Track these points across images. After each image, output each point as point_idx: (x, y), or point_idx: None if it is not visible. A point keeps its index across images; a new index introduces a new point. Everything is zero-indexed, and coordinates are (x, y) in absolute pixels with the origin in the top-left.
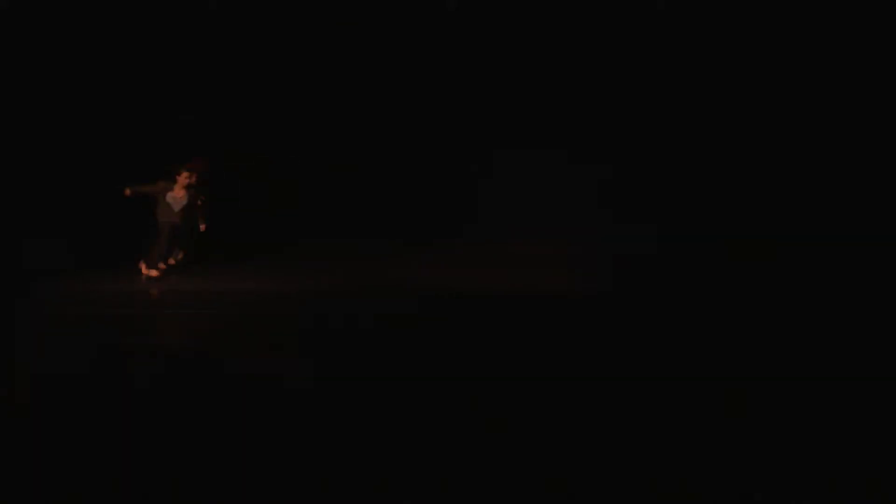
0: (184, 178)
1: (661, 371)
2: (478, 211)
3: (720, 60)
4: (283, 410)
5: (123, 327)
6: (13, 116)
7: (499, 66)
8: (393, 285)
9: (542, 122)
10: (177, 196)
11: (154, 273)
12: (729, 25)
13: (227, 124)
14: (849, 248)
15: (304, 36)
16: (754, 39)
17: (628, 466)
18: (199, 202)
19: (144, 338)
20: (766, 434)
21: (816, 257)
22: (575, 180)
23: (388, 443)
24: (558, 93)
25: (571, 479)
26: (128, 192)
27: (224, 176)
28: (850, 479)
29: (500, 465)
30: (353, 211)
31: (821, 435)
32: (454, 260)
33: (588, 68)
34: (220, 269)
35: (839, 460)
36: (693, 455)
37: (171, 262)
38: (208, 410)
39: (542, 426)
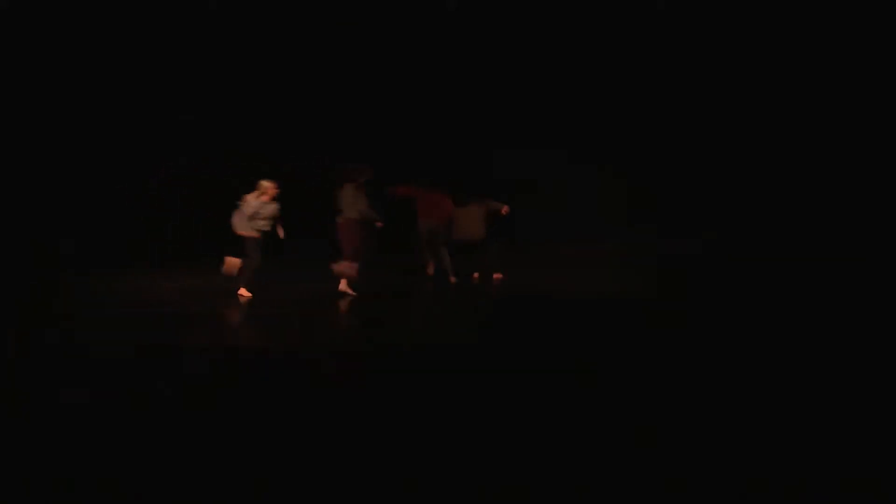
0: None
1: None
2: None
3: (740, 62)
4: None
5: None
6: (31, 118)
7: (503, 67)
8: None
9: (559, 125)
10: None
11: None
12: (739, 26)
13: (227, 124)
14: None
15: (304, 36)
16: (769, 39)
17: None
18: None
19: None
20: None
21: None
22: (603, 183)
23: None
24: (582, 96)
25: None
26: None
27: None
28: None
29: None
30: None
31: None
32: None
33: (616, 73)
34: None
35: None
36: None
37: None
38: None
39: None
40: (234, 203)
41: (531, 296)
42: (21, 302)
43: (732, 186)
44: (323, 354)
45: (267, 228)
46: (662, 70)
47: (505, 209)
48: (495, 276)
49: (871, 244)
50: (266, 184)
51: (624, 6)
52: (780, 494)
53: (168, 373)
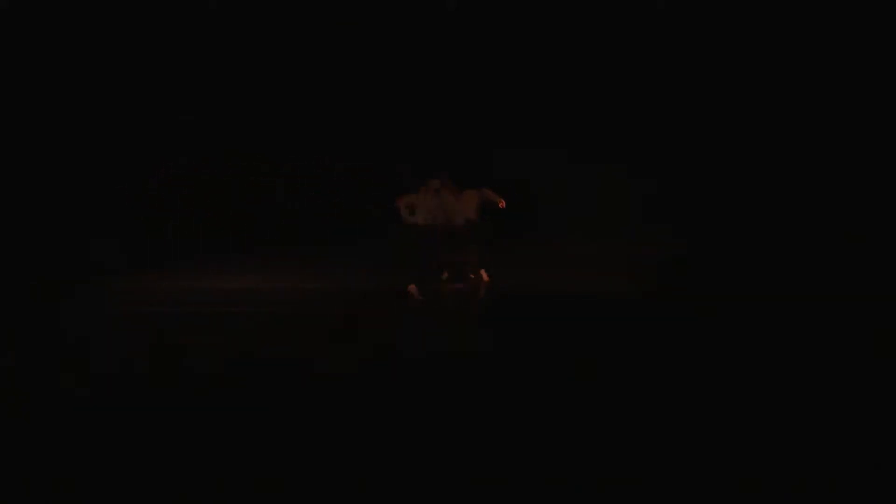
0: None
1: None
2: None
3: (740, 63)
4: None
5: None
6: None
7: (503, 67)
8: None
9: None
10: None
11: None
12: (740, 27)
13: (227, 124)
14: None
15: (304, 36)
16: (770, 40)
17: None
18: None
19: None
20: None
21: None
22: (608, 182)
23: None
24: (589, 95)
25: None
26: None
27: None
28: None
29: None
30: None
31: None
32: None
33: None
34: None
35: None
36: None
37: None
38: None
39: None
40: (232, 203)
41: (531, 296)
42: (22, 302)
43: (734, 186)
44: (323, 356)
45: (430, 222)
46: (662, 70)
47: (502, 203)
48: (476, 274)
49: (871, 244)
50: (432, 181)
51: (624, 6)
52: (776, 495)
53: (168, 373)
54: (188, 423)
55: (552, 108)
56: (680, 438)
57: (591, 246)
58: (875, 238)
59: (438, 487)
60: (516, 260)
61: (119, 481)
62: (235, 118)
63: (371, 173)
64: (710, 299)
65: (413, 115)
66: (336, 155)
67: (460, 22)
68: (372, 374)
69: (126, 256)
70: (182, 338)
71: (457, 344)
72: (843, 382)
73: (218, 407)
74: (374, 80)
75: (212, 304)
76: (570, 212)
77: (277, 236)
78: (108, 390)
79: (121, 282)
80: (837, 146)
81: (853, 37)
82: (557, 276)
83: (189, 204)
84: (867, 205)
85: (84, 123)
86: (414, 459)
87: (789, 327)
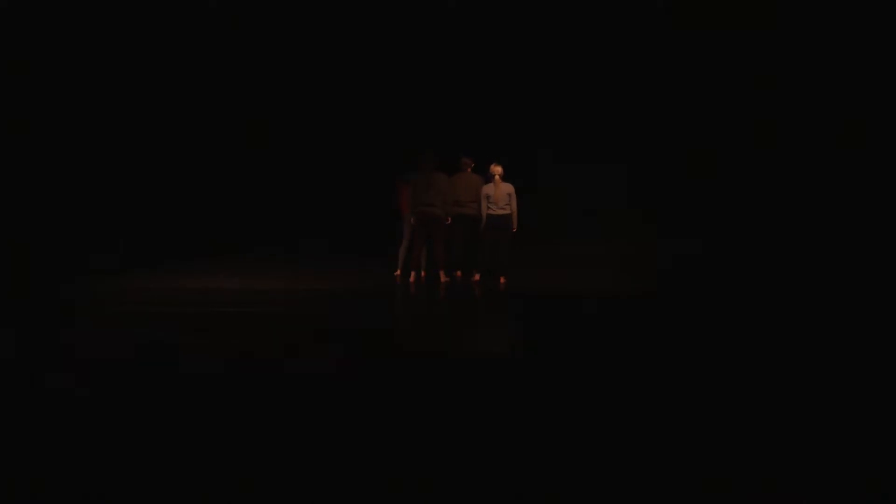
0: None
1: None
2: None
3: (741, 63)
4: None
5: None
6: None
7: (502, 67)
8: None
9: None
10: None
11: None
12: (740, 28)
13: (227, 124)
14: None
15: (304, 35)
16: (772, 40)
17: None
18: None
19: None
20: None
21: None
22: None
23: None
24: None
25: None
26: None
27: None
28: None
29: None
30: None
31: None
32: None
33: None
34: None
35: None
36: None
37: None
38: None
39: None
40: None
41: (529, 295)
42: (21, 301)
43: (735, 186)
44: (323, 357)
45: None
46: (663, 69)
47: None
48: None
49: (871, 244)
50: (494, 168)
51: (623, 6)
52: (781, 494)
53: (168, 373)
54: (184, 423)
55: (551, 107)
56: (680, 439)
57: (591, 246)
58: (877, 239)
59: (435, 490)
60: (515, 260)
61: (113, 481)
62: (235, 118)
63: (370, 173)
64: (711, 299)
65: (412, 114)
66: (335, 155)
67: (459, 21)
68: (369, 374)
69: (121, 256)
70: (177, 337)
71: (458, 343)
72: (844, 383)
73: (214, 407)
74: (373, 80)
75: (209, 305)
76: (569, 211)
77: (275, 236)
78: (103, 390)
79: (116, 281)
80: (839, 147)
81: (854, 37)
82: (557, 276)
83: (185, 204)
84: (868, 207)
85: (83, 122)
86: (412, 461)
87: (789, 328)
